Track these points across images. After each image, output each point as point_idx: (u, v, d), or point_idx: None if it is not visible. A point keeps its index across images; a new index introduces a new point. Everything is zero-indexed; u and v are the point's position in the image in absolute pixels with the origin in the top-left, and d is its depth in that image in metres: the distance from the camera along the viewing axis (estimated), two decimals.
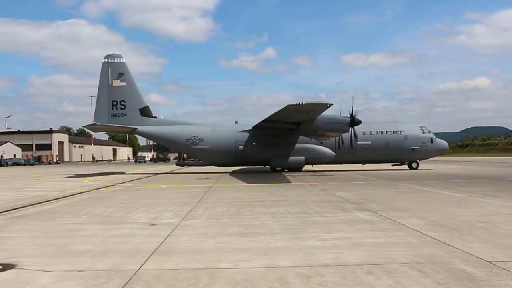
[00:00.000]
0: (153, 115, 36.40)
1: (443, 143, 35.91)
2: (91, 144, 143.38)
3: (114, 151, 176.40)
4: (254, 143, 33.06)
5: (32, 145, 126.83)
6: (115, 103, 35.76)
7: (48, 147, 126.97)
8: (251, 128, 33.32)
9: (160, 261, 5.96)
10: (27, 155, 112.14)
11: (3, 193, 17.89)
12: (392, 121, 36.42)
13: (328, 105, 25.97)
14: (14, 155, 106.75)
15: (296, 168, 32.92)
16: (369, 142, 33.69)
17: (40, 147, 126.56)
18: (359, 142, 33.16)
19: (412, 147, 33.86)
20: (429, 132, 34.79)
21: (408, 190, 16.28)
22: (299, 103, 25.32)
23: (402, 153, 34.09)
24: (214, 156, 34.21)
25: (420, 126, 35.03)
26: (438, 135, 36.13)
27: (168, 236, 7.73)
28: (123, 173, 38.17)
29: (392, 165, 35.59)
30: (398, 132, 34.14)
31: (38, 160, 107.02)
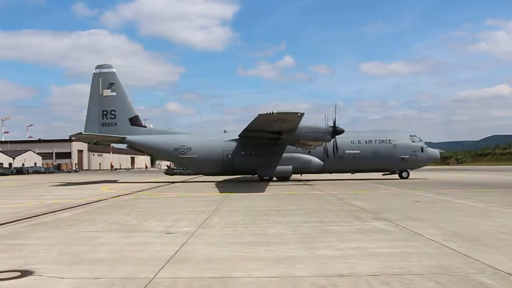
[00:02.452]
0: (143, 125, 36.72)
1: (434, 152, 35.43)
2: (109, 152, 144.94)
3: (132, 159, 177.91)
4: (241, 152, 33.11)
5: (52, 153, 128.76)
6: (105, 112, 36.22)
7: (68, 155, 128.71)
8: (238, 137, 33.27)
9: (175, 269, 5.99)
10: (47, 164, 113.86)
11: (23, 201, 18.17)
12: (382, 130, 36.08)
13: (299, 115, 25.86)
14: (35, 164, 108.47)
15: (284, 177, 32.80)
16: (358, 151, 33.43)
17: (60, 155, 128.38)
18: (347, 151, 33.06)
19: (402, 156, 33.46)
20: (420, 141, 34.36)
21: (425, 199, 16.07)
22: (270, 113, 25.40)
23: (391, 162, 33.71)
24: (202, 165, 34.30)
25: (410, 135, 34.63)
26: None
27: (183, 244, 7.75)
28: (115, 181, 38.44)
29: (383, 174, 35.17)
30: (387, 141, 33.79)
31: (58, 169, 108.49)
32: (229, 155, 33.33)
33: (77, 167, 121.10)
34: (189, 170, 36.44)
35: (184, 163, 35.73)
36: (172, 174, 39.87)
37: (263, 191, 22.06)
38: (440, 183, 26.85)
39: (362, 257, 6.51)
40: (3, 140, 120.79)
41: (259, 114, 26.41)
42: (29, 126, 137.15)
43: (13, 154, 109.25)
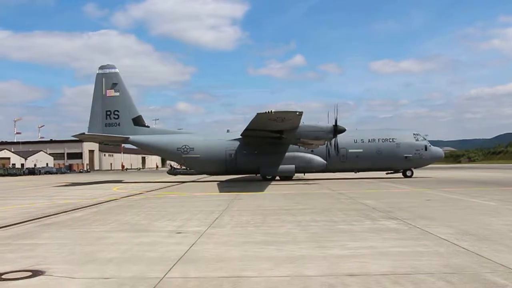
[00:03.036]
0: (146, 125, 36.94)
1: (438, 150, 35.26)
2: (120, 152, 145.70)
3: (143, 159, 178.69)
4: (244, 152, 33.18)
5: (63, 154, 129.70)
6: (108, 112, 36.53)
7: (79, 156, 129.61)
8: (240, 136, 33.27)
9: (184, 269, 5.99)
10: (58, 164, 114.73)
11: (36, 201, 18.32)
12: (385, 128, 35.97)
13: (298, 113, 25.85)
14: (47, 164, 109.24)
15: (287, 176, 32.77)
16: (361, 150, 33.31)
17: (71, 156, 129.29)
18: (350, 150, 33.06)
19: (405, 155, 33.23)
20: (424, 139, 34.13)
21: (436, 198, 15.95)
22: (269, 111, 25.45)
23: (395, 161, 33.52)
24: (205, 165, 34.41)
25: (413, 134, 34.41)
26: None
27: (193, 244, 7.76)
28: (120, 181, 38.66)
29: (386, 173, 34.97)
30: (390, 140, 33.61)
31: (69, 169, 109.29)
32: (232, 155, 33.43)
33: (88, 168, 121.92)
34: (192, 170, 36.60)
35: (187, 162, 35.86)
36: (175, 174, 39.96)
37: (262, 190, 22.08)
38: (450, 182, 26.65)
39: (373, 256, 6.48)
40: (15, 140, 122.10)
41: (257, 113, 26.49)
42: (40, 127, 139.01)
43: (25, 155, 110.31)
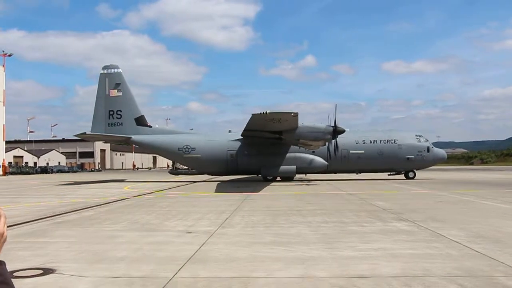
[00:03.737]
0: (148, 124, 37.08)
1: (440, 152, 34.91)
2: (132, 152, 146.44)
3: (154, 159, 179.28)
4: (245, 152, 33.20)
5: (75, 152, 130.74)
6: (111, 112, 36.77)
7: (91, 155, 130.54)
8: (241, 137, 33.23)
9: (194, 269, 5.99)
10: (71, 163, 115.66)
11: (47, 199, 18.46)
12: (387, 129, 35.73)
13: (293, 114, 25.78)
14: (59, 163, 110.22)
15: (288, 177, 32.72)
16: (362, 151, 33.07)
17: (83, 155, 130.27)
18: (351, 151, 32.87)
19: (407, 156, 32.95)
20: (426, 141, 33.82)
21: (448, 199, 15.80)
22: (263, 112, 25.46)
23: (397, 162, 33.22)
24: (206, 165, 34.47)
25: (416, 135, 34.11)
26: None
27: (203, 244, 7.76)
28: (122, 180, 38.82)
29: (388, 175, 34.63)
30: (392, 141, 33.36)
31: (81, 168, 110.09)
32: (233, 155, 33.50)
33: (99, 167, 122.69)
34: (193, 170, 36.71)
35: (188, 162, 35.94)
36: (177, 174, 40.12)
37: (271, 191, 22.05)
38: (459, 183, 26.40)
39: (384, 258, 6.42)
40: (28, 139, 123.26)
41: (253, 114, 26.55)
42: (53, 126, 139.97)
43: (37, 153, 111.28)
